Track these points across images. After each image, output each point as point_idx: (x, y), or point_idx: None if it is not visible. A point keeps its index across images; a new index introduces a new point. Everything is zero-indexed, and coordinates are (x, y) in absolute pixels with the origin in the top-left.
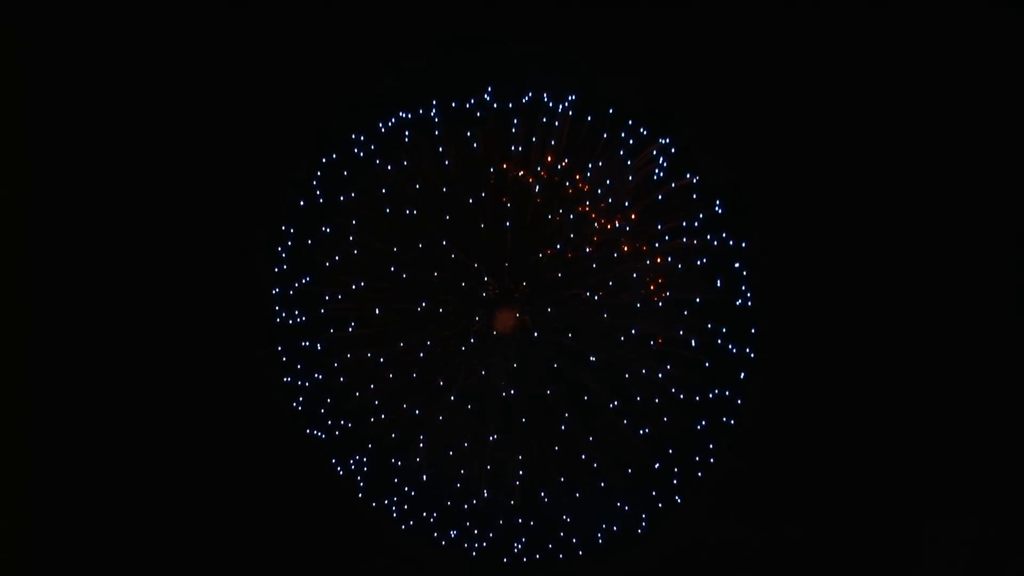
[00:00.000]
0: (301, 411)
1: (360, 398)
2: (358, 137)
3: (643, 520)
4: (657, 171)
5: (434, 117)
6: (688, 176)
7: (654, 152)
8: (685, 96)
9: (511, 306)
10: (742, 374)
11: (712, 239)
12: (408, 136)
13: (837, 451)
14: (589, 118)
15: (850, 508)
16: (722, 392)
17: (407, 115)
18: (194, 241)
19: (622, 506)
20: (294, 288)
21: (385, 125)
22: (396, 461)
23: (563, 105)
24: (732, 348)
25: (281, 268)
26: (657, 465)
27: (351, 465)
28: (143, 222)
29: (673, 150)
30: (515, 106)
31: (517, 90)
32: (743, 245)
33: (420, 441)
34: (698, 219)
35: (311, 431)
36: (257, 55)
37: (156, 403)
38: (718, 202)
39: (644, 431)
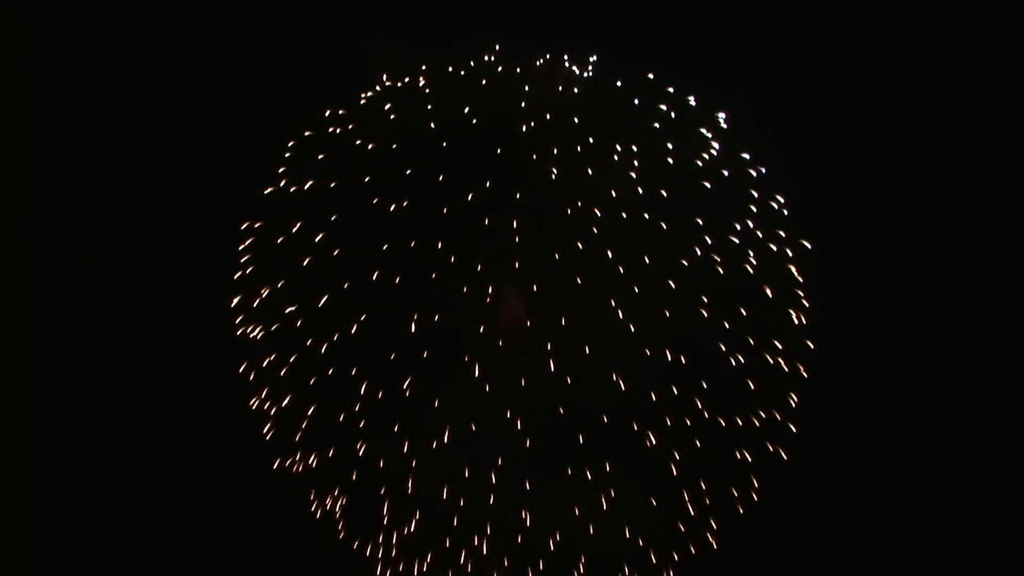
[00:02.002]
0: (270, 440)
1: (342, 423)
2: (334, 112)
3: (670, 573)
4: (705, 154)
5: (425, 88)
6: (747, 159)
7: (702, 130)
8: (751, 58)
9: (519, 294)
10: (794, 397)
11: (767, 239)
12: (395, 111)
13: (907, 486)
14: (619, 83)
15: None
16: (770, 417)
17: (393, 84)
18: (134, 238)
19: (646, 548)
20: (259, 296)
21: (366, 96)
22: (385, 496)
23: (587, 71)
24: (784, 366)
25: (243, 273)
26: (688, 501)
27: (329, 502)
28: (67, 208)
29: (726, 126)
30: (525, 71)
31: (529, 50)
32: (807, 246)
33: (412, 471)
34: (752, 216)
35: (283, 463)
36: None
37: (92, 435)
38: (780, 199)
39: (674, 460)
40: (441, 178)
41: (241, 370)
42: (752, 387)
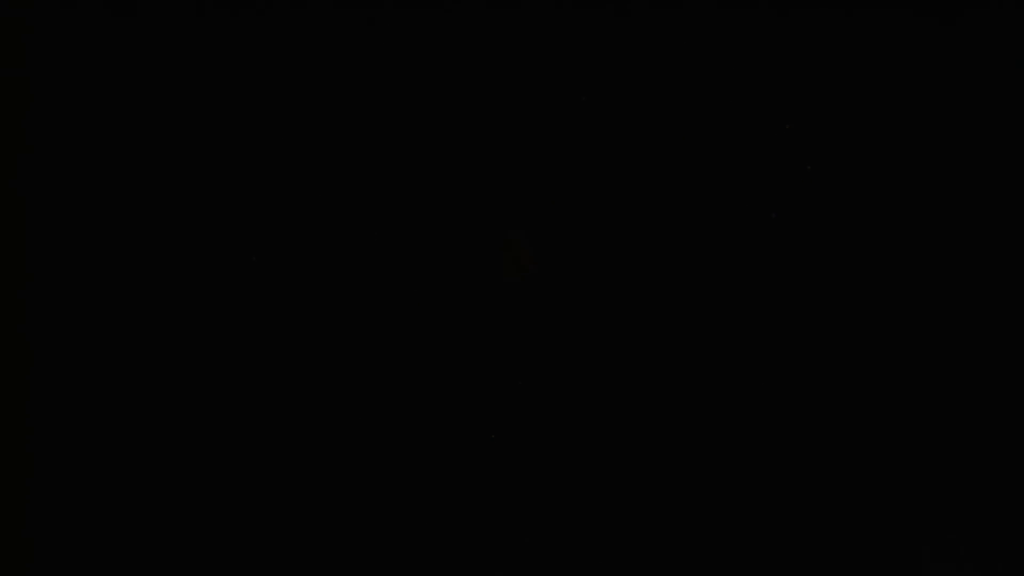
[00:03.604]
0: (272, 405)
1: (339, 385)
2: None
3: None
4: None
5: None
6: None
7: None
8: None
9: (525, 243)
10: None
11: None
12: (388, 47)
13: (921, 469)
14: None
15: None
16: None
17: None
18: (132, 196)
19: (646, 511)
20: (252, 262)
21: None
22: (383, 461)
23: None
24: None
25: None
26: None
27: (338, 464)
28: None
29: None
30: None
31: None
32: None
33: (411, 434)
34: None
35: (288, 427)
36: None
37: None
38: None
39: (679, 430)
40: (441, 124)
41: (242, 334)
42: (759, 350)
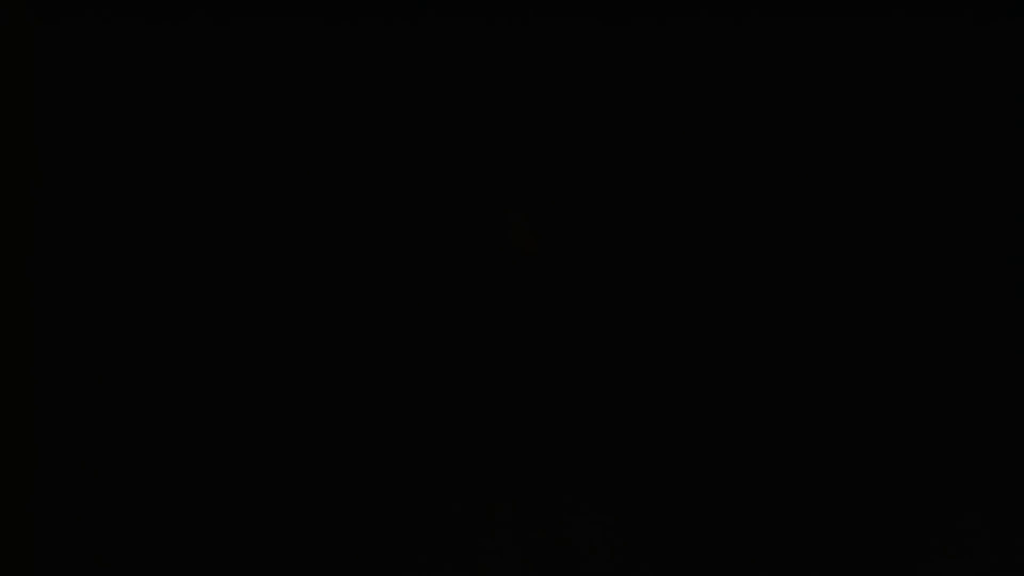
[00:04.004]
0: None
1: (338, 368)
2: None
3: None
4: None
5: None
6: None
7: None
8: None
9: (527, 224)
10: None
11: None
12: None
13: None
14: None
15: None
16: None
17: None
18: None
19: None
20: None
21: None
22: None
23: None
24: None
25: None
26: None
27: (339, 449)
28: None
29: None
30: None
31: None
32: None
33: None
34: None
35: (289, 415)
36: None
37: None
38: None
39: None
40: (444, 113)
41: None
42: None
